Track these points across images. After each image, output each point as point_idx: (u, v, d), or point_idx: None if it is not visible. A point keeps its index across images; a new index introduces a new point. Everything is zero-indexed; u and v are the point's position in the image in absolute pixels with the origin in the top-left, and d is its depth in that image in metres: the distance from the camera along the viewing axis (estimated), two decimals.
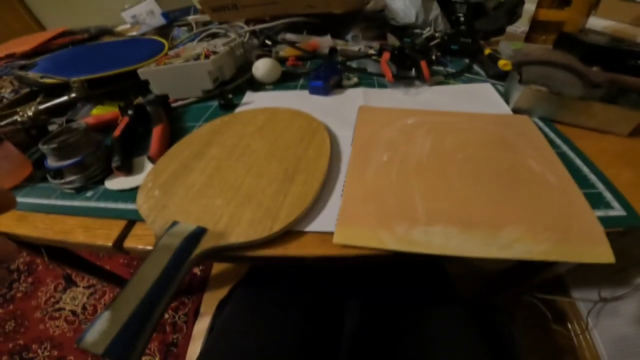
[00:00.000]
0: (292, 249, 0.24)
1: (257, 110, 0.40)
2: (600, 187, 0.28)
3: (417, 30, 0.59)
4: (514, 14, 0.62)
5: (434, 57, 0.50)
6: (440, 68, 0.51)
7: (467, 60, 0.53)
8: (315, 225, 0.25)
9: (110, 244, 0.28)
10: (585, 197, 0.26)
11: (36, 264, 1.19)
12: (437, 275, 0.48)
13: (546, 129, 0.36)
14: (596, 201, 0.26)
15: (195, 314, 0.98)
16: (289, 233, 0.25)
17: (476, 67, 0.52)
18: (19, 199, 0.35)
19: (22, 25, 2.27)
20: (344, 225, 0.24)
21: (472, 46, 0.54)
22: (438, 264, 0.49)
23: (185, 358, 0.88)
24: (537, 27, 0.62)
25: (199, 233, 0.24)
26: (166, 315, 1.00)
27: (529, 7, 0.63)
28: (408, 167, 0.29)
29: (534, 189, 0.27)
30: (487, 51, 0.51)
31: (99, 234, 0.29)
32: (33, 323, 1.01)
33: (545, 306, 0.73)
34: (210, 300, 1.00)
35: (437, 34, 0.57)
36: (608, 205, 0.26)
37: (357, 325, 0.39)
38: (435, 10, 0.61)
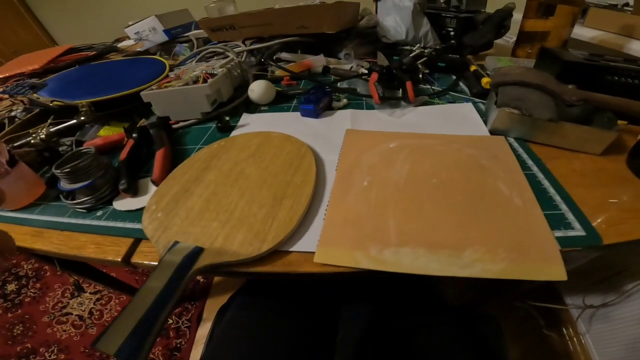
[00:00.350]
0: (278, 267, 0.28)
1: (251, 134, 0.44)
2: (564, 207, 0.31)
3: (407, 47, 0.62)
4: (501, 27, 0.65)
5: (420, 76, 0.54)
6: (427, 86, 0.54)
7: (453, 77, 0.56)
8: (299, 246, 0.28)
9: (119, 259, 0.32)
10: (547, 219, 0.29)
11: (44, 270, 1.25)
12: (426, 286, 0.51)
13: (520, 150, 0.39)
14: (558, 222, 0.29)
15: (198, 319, 1.02)
16: (276, 252, 0.29)
17: (462, 84, 0.55)
18: (36, 217, 0.39)
19: (33, 36, 2.36)
20: (324, 246, 0.28)
21: (459, 62, 0.57)
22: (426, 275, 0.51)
23: None
24: (523, 38, 0.63)
25: (197, 252, 0.28)
26: (170, 321, 1.04)
27: (519, 18, 0.65)
28: (385, 192, 0.32)
29: (499, 212, 0.30)
30: (472, 68, 0.54)
31: (109, 250, 0.33)
32: (41, 327, 1.06)
33: (538, 313, 0.75)
34: (213, 307, 1.05)
35: (426, 50, 0.60)
36: (569, 226, 0.29)
37: (349, 334, 0.43)
38: (426, 26, 0.64)
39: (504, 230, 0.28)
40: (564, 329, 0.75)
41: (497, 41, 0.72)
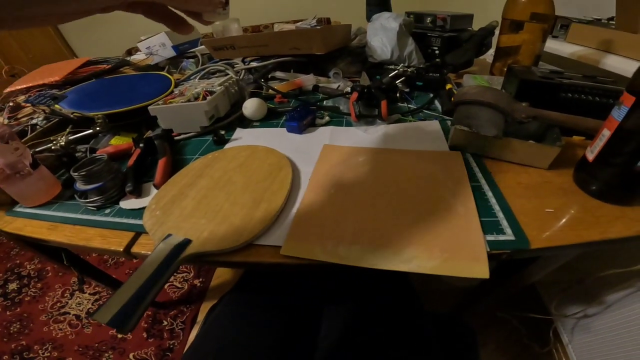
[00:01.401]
0: (252, 257, 0.35)
1: (241, 147, 0.52)
2: (500, 215, 0.37)
3: (392, 66, 0.70)
4: (482, 46, 0.73)
5: (398, 95, 0.62)
6: (404, 104, 0.62)
7: (431, 95, 0.64)
8: (270, 241, 0.36)
9: (121, 249, 0.40)
10: (483, 225, 0.36)
11: (46, 271, 1.35)
12: (407, 292, 0.57)
13: (474, 164, 0.46)
14: (492, 227, 0.36)
15: (193, 322, 1.09)
16: (251, 245, 0.36)
17: (437, 103, 0.62)
18: (52, 213, 0.48)
19: (51, 44, 2.57)
20: (290, 241, 0.35)
21: (435, 81, 0.65)
22: (407, 281, 0.57)
23: None
24: (500, 54, 0.69)
25: (186, 243, 0.36)
26: (164, 322, 1.12)
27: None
28: (348, 199, 0.40)
29: (442, 218, 0.37)
30: (448, 86, 0.62)
31: (113, 242, 0.41)
32: (38, 325, 1.15)
33: (522, 323, 0.80)
34: (207, 310, 1.12)
35: (409, 69, 0.68)
36: (501, 231, 0.36)
37: (330, 331, 0.49)
38: (410, 46, 0.72)
39: (442, 233, 0.35)
40: (547, 340, 0.78)
41: (480, 58, 0.80)
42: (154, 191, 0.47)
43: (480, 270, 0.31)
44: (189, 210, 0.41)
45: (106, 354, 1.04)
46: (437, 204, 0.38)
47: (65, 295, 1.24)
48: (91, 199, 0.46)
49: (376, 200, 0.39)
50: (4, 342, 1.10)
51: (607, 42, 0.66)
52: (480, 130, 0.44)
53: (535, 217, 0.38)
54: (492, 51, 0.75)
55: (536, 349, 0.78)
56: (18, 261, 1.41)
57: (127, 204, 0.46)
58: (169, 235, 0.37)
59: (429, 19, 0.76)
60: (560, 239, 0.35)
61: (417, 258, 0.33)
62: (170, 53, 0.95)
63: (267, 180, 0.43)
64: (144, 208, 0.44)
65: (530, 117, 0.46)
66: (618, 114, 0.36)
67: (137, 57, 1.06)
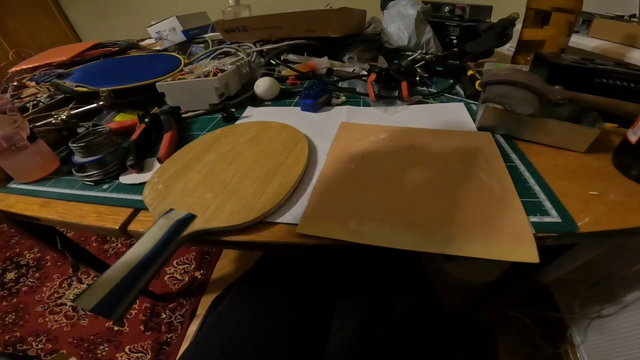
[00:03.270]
0: (263, 236, 0.31)
1: (252, 122, 0.48)
2: (542, 196, 0.33)
3: (409, 53, 0.67)
4: (503, 36, 0.69)
5: (417, 78, 0.57)
6: (424, 88, 0.58)
7: (451, 81, 0.59)
8: (285, 218, 0.32)
9: (117, 227, 0.35)
10: (523, 205, 0.31)
11: (45, 260, 1.30)
12: (423, 289, 0.52)
13: (505, 145, 0.41)
14: (535, 209, 0.31)
15: (192, 315, 1.04)
16: (263, 223, 0.32)
17: (458, 88, 0.58)
18: (46, 189, 0.44)
19: (60, 33, 2.55)
20: (307, 219, 0.31)
21: (456, 67, 0.61)
22: (423, 277, 0.53)
23: (175, 358, 0.93)
24: (522, 47, 0.66)
25: (189, 218, 0.31)
26: (163, 315, 1.07)
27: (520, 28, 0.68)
28: (370, 175, 0.35)
29: (477, 197, 0.32)
30: (469, 72, 0.58)
31: (108, 219, 0.37)
32: (33, 316, 1.10)
33: (534, 322, 0.75)
34: (207, 303, 1.07)
35: (427, 56, 0.64)
36: (545, 213, 0.31)
37: (342, 328, 0.44)
38: (428, 34, 0.69)
39: (480, 213, 0.30)
40: (559, 340, 0.74)
41: (499, 50, 0.76)
42: (157, 166, 0.43)
43: (528, 253, 0.27)
44: (193, 184, 0.36)
45: (101, 347, 0.99)
46: (470, 183, 0.34)
47: (63, 285, 1.19)
48: (89, 173, 0.42)
49: (402, 177, 0.35)
50: None
51: (632, 36, 0.64)
52: (515, 108, 0.39)
53: (578, 199, 0.33)
54: (510, 44, 0.72)
55: (549, 349, 0.73)
56: (18, 250, 1.37)
57: (128, 178, 0.42)
58: (171, 210, 0.33)
59: (447, 8, 0.73)
60: (609, 223, 0.31)
61: (454, 239, 0.28)
62: (181, 38, 0.91)
63: (281, 154, 0.39)
64: (144, 183, 0.39)
65: (566, 98, 0.42)
66: None
67: (147, 42, 1.03)
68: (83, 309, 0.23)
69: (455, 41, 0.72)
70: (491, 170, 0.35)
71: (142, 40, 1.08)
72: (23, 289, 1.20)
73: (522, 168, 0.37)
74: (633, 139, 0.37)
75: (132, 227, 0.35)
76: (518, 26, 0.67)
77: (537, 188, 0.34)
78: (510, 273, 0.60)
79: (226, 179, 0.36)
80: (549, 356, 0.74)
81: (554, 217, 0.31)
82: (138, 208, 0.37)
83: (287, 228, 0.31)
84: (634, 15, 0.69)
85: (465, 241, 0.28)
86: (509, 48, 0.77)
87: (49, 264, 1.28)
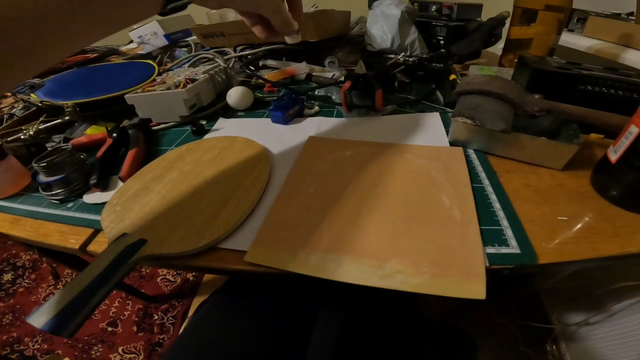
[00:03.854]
0: (213, 262, 0.31)
1: (218, 138, 0.47)
2: (505, 223, 0.32)
3: (391, 56, 0.65)
4: (492, 36, 0.67)
5: (396, 84, 0.56)
6: (403, 95, 0.56)
7: (432, 86, 0.58)
8: (235, 244, 0.31)
9: (77, 247, 0.36)
10: (484, 234, 0.30)
11: (41, 262, 1.33)
12: (404, 299, 0.52)
13: (477, 162, 0.40)
14: (494, 238, 0.30)
15: (184, 317, 1.07)
16: (213, 249, 0.31)
17: (438, 94, 0.57)
18: (17, 206, 0.44)
19: None
20: (256, 247, 0.30)
21: (437, 71, 0.59)
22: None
23: None
24: (509, 46, 0.63)
25: (140, 243, 0.31)
26: (155, 317, 1.09)
27: None
28: (328, 199, 0.35)
29: (435, 224, 0.31)
30: (451, 77, 0.56)
31: (69, 239, 0.37)
32: None
33: (519, 329, 0.74)
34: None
35: (410, 59, 0.63)
36: (504, 243, 0.30)
37: (322, 341, 0.44)
38: (412, 35, 0.66)
39: (433, 243, 0.29)
40: (545, 347, 0.73)
41: (489, 50, 0.74)
42: (120, 184, 0.43)
43: (476, 289, 0.26)
44: (150, 207, 0.36)
45: (95, 347, 1.02)
46: (430, 208, 0.33)
47: (58, 287, 1.22)
48: (54, 192, 0.42)
49: (359, 202, 0.34)
50: None
51: (628, 36, 0.61)
52: (485, 123, 0.38)
53: (545, 225, 0.32)
54: (501, 44, 0.69)
55: (532, 357, 0.73)
56: (14, 251, 1.40)
57: (91, 197, 0.42)
58: (124, 234, 0.33)
59: (434, 7, 0.70)
60: (574, 252, 0.30)
61: (400, 273, 0.27)
62: (163, 42, 0.90)
63: (240, 175, 0.38)
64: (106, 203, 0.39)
65: (543, 110, 0.40)
66: None
67: (130, 47, 1.02)
68: (35, 326, 0.25)
69: (442, 42, 0.70)
70: (455, 193, 0.34)
71: (129, 43, 1.07)
72: (19, 290, 1.23)
73: (490, 190, 0.36)
74: (613, 157, 0.35)
75: (91, 247, 0.36)
76: (508, 25, 0.65)
77: (501, 214, 0.33)
78: (490, 285, 0.59)
79: (183, 201, 0.36)
80: None
81: (513, 248, 0.30)
82: (98, 229, 0.37)
83: (237, 254, 0.31)
84: (631, 13, 0.66)
85: (412, 275, 0.27)
86: (500, 48, 0.74)
87: (44, 265, 1.32)
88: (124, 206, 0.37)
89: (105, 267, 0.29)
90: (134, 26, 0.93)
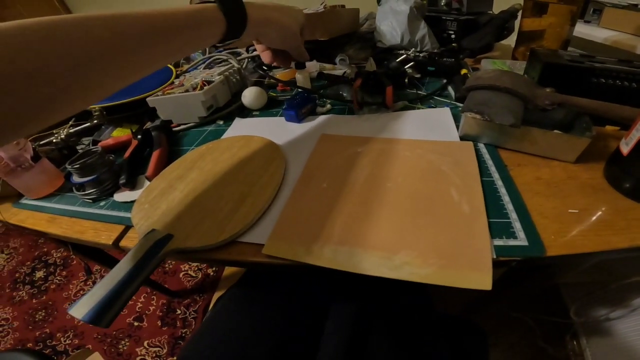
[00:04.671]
0: (233, 255, 0.34)
1: (235, 138, 0.50)
2: (514, 216, 0.33)
3: (401, 52, 0.65)
4: (504, 29, 0.66)
5: (406, 80, 0.57)
6: (414, 91, 0.57)
7: (444, 81, 0.58)
8: (252, 238, 0.34)
9: (110, 242, 0.40)
10: (492, 226, 0.32)
11: (71, 259, 1.42)
12: (417, 292, 0.54)
13: (487, 156, 0.41)
14: (503, 230, 0.31)
15: (205, 311, 1.12)
16: (233, 242, 0.34)
17: (450, 89, 0.57)
18: (53, 205, 0.49)
19: None
20: (272, 240, 0.33)
21: (448, 66, 0.59)
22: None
23: None
24: (522, 39, 0.62)
25: (167, 238, 0.34)
26: (178, 311, 1.15)
27: None
28: (340, 194, 0.37)
29: (444, 217, 0.33)
30: (463, 71, 0.56)
31: (103, 235, 0.41)
32: (61, 313, 1.21)
33: (539, 324, 0.74)
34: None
35: (421, 54, 0.63)
36: (512, 235, 0.31)
37: (334, 332, 0.47)
38: (422, 30, 0.67)
39: (441, 236, 0.31)
40: (564, 342, 0.73)
41: (504, 42, 0.73)
42: (146, 183, 0.46)
43: (482, 280, 0.27)
44: (175, 204, 0.39)
45: (122, 342, 1.09)
46: (439, 202, 0.34)
47: (88, 283, 1.31)
48: (87, 192, 0.47)
49: (370, 197, 0.36)
50: (29, 329, 1.17)
51: None
52: (494, 118, 0.39)
53: (555, 218, 0.33)
54: (516, 36, 0.69)
55: (550, 352, 0.72)
56: (45, 249, 1.50)
57: (121, 196, 0.46)
58: (153, 229, 0.36)
59: (443, 1, 0.70)
60: (583, 245, 0.30)
61: (409, 264, 0.29)
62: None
63: (257, 173, 0.41)
64: (135, 201, 0.43)
65: (555, 103, 0.41)
66: None
67: None
68: (76, 317, 0.28)
69: (453, 36, 0.70)
70: (464, 187, 0.36)
71: None
72: (51, 286, 1.32)
73: (499, 183, 0.37)
74: (625, 149, 0.35)
75: (123, 243, 0.40)
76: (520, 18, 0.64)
77: (510, 207, 0.34)
78: (506, 278, 0.59)
79: (205, 198, 0.39)
80: (552, 358, 0.73)
81: (520, 240, 0.31)
82: (128, 225, 0.41)
83: (255, 247, 0.34)
84: None
85: (419, 266, 0.29)
86: (514, 40, 0.74)
87: (74, 262, 1.41)
88: (151, 204, 0.41)
89: (137, 261, 0.32)
90: None
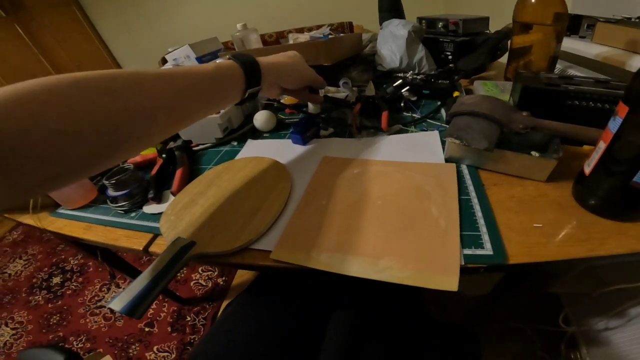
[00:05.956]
0: (246, 259, 0.42)
1: (248, 159, 0.60)
2: (483, 230, 0.40)
3: (400, 75, 0.74)
4: (497, 50, 0.74)
5: (402, 104, 0.65)
6: (409, 114, 0.66)
7: (438, 103, 0.66)
8: (263, 245, 0.43)
9: (141, 248, 0.49)
10: (463, 239, 0.39)
11: (88, 266, 1.54)
12: (413, 301, 0.60)
13: (468, 177, 0.48)
14: (472, 242, 0.39)
15: (214, 318, 1.20)
16: (246, 249, 0.43)
17: (443, 111, 0.65)
18: (88, 215, 0.59)
19: (94, 50, 2.91)
20: (279, 247, 0.41)
21: (442, 89, 0.67)
22: (415, 290, 0.60)
23: None
24: (513, 56, 0.68)
25: (191, 245, 0.43)
26: (188, 318, 1.24)
27: None
28: (337, 210, 0.45)
29: (423, 230, 0.41)
30: (455, 94, 0.64)
31: (135, 242, 0.50)
32: (75, 318, 1.31)
33: (538, 334, 0.78)
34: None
35: (418, 77, 0.71)
36: (480, 245, 0.38)
37: (334, 337, 0.54)
38: (420, 53, 0.75)
39: (419, 246, 0.39)
40: (564, 352, 0.77)
41: (500, 61, 0.80)
42: (171, 198, 0.56)
43: (449, 282, 0.34)
44: (197, 216, 0.48)
45: (133, 346, 1.18)
46: (419, 217, 0.42)
47: (103, 289, 1.42)
48: (120, 204, 0.56)
49: (362, 212, 0.44)
50: (43, 333, 1.28)
51: (634, 42, 0.64)
52: (471, 143, 0.46)
53: (520, 231, 0.39)
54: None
55: None
56: (63, 256, 1.63)
57: (149, 208, 0.56)
58: (178, 237, 0.45)
59: (440, 24, 0.78)
60: (542, 255, 0.37)
61: (390, 268, 0.37)
62: (195, 64, 1.06)
63: (266, 190, 0.50)
64: (162, 213, 0.52)
65: (528, 127, 0.48)
66: (613, 125, 0.36)
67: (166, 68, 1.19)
68: (114, 310, 0.36)
69: (450, 57, 0.78)
70: (443, 205, 0.43)
71: (164, 64, 1.25)
72: (67, 292, 1.44)
73: (475, 201, 0.44)
74: (587, 170, 0.42)
75: (152, 249, 0.49)
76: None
77: (481, 221, 0.41)
78: (501, 286, 0.65)
79: (221, 212, 0.48)
80: None
81: (487, 250, 0.38)
82: (156, 234, 0.50)
83: (264, 253, 0.42)
84: None
85: (399, 270, 0.36)
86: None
87: (91, 269, 1.53)
88: (176, 216, 0.50)
89: (166, 264, 0.41)
90: (169, 49, 1.10)
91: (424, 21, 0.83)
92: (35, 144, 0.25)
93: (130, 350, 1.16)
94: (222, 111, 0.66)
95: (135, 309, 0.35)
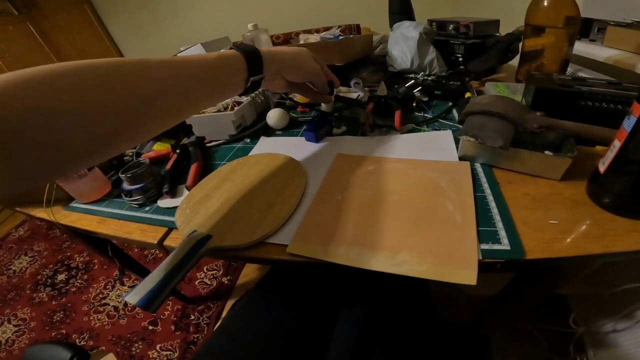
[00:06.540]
0: (262, 253, 0.43)
1: (262, 155, 0.61)
2: (500, 225, 0.40)
3: (411, 76, 0.75)
4: (508, 52, 0.74)
5: (414, 104, 0.66)
6: (421, 114, 0.66)
7: (449, 104, 0.67)
8: (279, 239, 0.43)
9: (155, 242, 0.49)
10: (480, 234, 0.39)
11: (93, 264, 1.55)
12: (423, 300, 0.60)
13: (482, 174, 0.49)
14: (489, 237, 0.39)
15: (218, 317, 1.20)
16: (262, 243, 0.43)
17: (454, 112, 0.66)
18: (102, 209, 0.59)
19: (104, 48, 2.94)
20: (295, 241, 0.42)
21: (453, 90, 0.68)
22: (425, 290, 0.61)
23: None
24: (524, 59, 0.69)
25: (207, 238, 0.44)
26: (191, 317, 1.24)
27: None
28: (353, 205, 0.46)
29: (439, 225, 0.41)
30: (467, 95, 0.65)
31: (149, 235, 0.51)
32: (79, 315, 1.31)
33: (545, 335, 0.78)
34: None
35: (429, 78, 0.72)
36: (497, 240, 0.39)
37: (342, 335, 0.54)
38: (431, 54, 0.76)
39: (437, 241, 0.39)
40: (571, 354, 0.76)
41: (511, 63, 0.81)
42: (186, 192, 0.57)
43: (468, 276, 0.35)
44: (213, 210, 0.49)
45: (136, 344, 1.18)
46: (436, 213, 0.43)
47: (107, 287, 1.42)
48: (134, 198, 0.57)
49: (378, 207, 0.45)
50: (46, 330, 1.28)
51: None
52: (486, 141, 0.47)
53: (536, 228, 0.40)
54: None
55: None
56: (69, 253, 1.64)
57: (164, 203, 0.56)
58: (194, 231, 0.46)
59: (451, 26, 0.79)
60: (559, 250, 0.37)
61: (408, 262, 0.37)
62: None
63: (281, 186, 0.51)
64: (176, 207, 0.53)
65: (542, 127, 0.48)
66: (628, 124, 0.37)
67: None
68: (131, 303, 0.36)
69: (461, 59, 0.79)
70: (459, 201, 0.44)
71: (177, 54, 1.26)
72: (72, 289, 1.44)
73: (490, 198, 0.45)
74: (602, 168, 0.43)
75: (166, 242, 0.49)
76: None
77: (497, 217, 0.42)
78: (511, 287, 0.65)
79: (237, 206, 0.49)
80: None
81: (504, 245, 0.38)
82: (171, 227, 0.51)
83: (280, 247, 0.43)
84: None
85: (417, 264, 0.37)
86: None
87: (96, 267, 1.53)
88: (192, 210, 0.50)
89: (182, 257, 0.41)
90: (181, 48, 1.11)
91: (434, 23, 0.84)
92: (39, 127, 0.25)
93: (133, 349, 1.16)
94: (236, 108, 0.67)
95: (151, 302, 0.35)
